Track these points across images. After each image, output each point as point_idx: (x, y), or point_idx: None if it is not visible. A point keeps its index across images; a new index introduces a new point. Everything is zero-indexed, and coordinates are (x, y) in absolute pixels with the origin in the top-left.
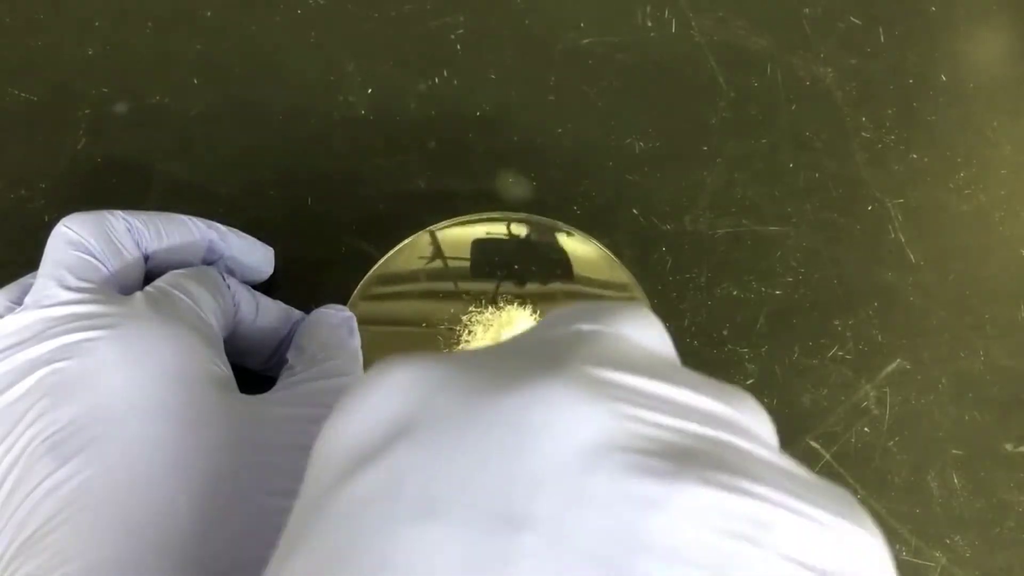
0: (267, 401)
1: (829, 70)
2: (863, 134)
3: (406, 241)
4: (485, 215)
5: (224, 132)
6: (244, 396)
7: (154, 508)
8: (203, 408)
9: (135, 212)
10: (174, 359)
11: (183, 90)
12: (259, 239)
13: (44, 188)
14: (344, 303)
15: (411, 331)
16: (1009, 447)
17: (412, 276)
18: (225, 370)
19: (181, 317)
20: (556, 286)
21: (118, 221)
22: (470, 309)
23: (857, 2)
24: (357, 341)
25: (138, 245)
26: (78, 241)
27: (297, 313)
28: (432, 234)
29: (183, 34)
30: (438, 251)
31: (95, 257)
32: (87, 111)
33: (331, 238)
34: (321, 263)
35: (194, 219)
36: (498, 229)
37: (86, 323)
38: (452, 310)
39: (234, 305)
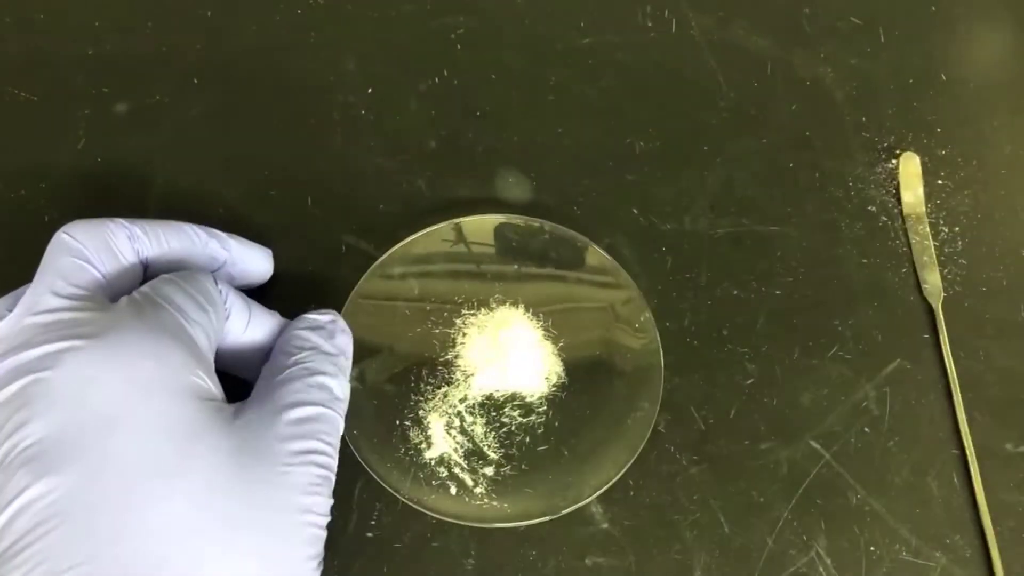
0: (242, 409)
1: (829, 70)
2: (863, 134)
3: (397, 246)
4: (484, 217)
5: (224, 132)
6: (222, 405)
7: (129, 521)
8: (181, 420)
9: (137, 220)
10: (154, 371)
11: (183, 90)
12: (259, 239)
13: (44, 188)
14: (343, 303)
15: (406, 336)
16: (1009, 447)
17: (398, 292)
18: (207, 382)
19: (165, 327)
20: (555, 287)
21: (119, 228)
22: (463, 312)
23: (857, 2)
24: (340, 342)
25: (138, 253)
26: (77, 248)
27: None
28: (428, 236)
29: (183, 34)
30: (428, 257)
31: (92, 265)
32: (87, 111)
33: (331, 238)
34: (321, 263)
35: (196, 227)
36: (495, 230)
37: (70, 331)
38: (445, 314)
39: (226, 311)
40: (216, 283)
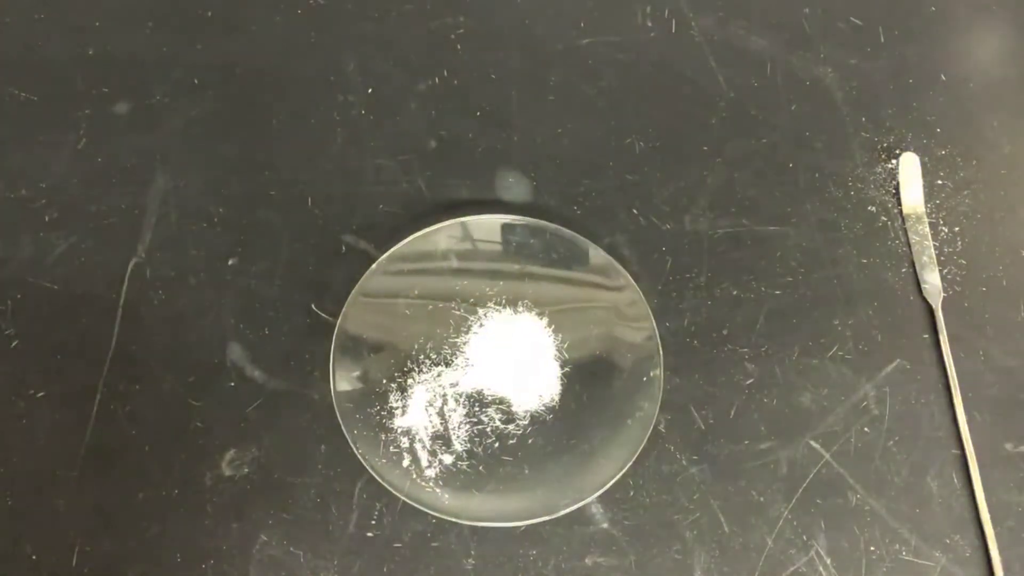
0: None
1: (829, 70)
2: (863, 134)
3: (406, 240)
4: (484, 217)
5: (224, 132)
6: None
7: None
8: None
9: None
10: None
11: (183, 90)
12: (260, 239)
13: (44, 188)
14: (343, 302)
15: (425, 310)
16: (1009, 447)
17: (409, 283)
18: None
19: None
20: (555, 287)
21: None
22: (489, 304)
23: (857, 2)
24: None
25: None
26: None
27: None
28: (433, 233)
29: (183, 34)
30: (432, 253)
31: None
32: (87, 111)
33: (331, 238)
34: (321, 263)
35: None
36: (492, 230)
37: None
38: (472, 300)
39: None
40: None
